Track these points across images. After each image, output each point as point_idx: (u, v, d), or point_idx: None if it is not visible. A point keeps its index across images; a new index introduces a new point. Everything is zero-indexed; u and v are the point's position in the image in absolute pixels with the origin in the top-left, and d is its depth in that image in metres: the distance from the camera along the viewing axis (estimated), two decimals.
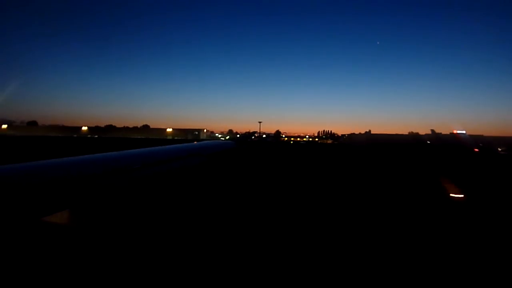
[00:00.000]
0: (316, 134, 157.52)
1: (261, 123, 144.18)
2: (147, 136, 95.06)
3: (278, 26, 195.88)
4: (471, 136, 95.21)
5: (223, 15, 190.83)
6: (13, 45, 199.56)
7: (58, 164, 2.04)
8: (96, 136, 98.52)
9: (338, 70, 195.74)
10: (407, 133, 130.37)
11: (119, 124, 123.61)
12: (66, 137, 78.21)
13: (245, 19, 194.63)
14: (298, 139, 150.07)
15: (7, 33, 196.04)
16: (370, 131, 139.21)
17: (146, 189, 2.46)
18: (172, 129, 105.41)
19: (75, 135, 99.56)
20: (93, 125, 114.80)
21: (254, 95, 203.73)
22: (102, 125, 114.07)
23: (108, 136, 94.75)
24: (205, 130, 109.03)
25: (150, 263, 4.20)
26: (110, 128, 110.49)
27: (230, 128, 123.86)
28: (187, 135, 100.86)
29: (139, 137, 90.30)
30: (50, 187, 1.61)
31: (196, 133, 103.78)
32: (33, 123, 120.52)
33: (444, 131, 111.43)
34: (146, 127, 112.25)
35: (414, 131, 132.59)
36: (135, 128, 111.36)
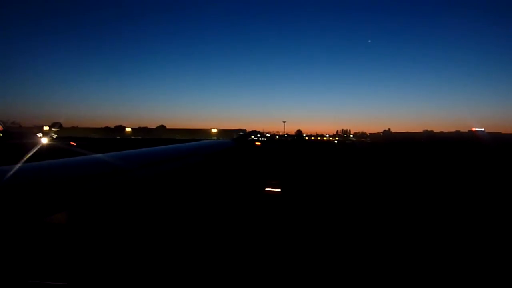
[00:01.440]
0: (334, 133, 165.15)
1: (285, 123, 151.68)
2: (193, 137, 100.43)
3: (303, 29, 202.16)
4: (489, 133, 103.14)
5: (252, 18, 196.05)
6: (41, 49, 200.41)
7: (56, 165, 2.07)
8: (140, 137, 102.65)
9: (354, 70, 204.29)
10: (421, 131, 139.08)
11: (152, 125, 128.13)
12: (126, 139, 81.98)
13: (270, 21, 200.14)
14: (319, 138, 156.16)
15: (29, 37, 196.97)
16: (389, 129, 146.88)
17: (143, 190, 2.52)
18: (217, 129, 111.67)
19: (118, 137, 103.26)
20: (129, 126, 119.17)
21: (278, 96, 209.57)
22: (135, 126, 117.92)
23: (154, 137, 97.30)
24: (246, 130, 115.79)
25: (150, 263, 4.17)
26: (157, 129, 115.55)
27: (254, 129, 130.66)
28: (232, 135, 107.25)
29: (183, 138, 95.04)
30: (48, 188, 1.66)
31: (242, 133, 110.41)
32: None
33: (462, 128, 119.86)
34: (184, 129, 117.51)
35: (429, 129, 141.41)
36: (176, 129, 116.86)
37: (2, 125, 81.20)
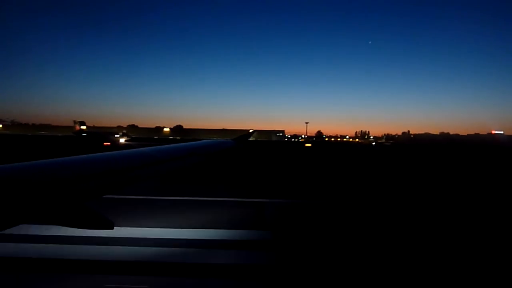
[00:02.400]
0: (353, 135, 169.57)
1: (308, 124, 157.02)
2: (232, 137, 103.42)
3: (327, 33, 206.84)
4: (508, 136, 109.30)
5: (279, 23, 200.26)
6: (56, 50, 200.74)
7: (55, 164, 2.06)
8: (179, 138, 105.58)
9: (373, 72, 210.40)
10: (438, 133, 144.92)
11: (186, 125, 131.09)
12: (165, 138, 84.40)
13: (297, 26, 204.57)
14: (338, 139, 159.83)
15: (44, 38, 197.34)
16: (408, 131, 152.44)
17: (144, 189, 2.89)
18: (256, 130, 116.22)
19: (156, 136, 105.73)
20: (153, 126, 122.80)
21: (301, 97, 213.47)
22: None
23: (189, 137, 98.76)
24: (285, 131, 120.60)
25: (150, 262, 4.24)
26: (195, 130, 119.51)
27: (278, 129, 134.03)
28: (271, 136, 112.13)
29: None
30: (45, 187, 1.66)
31: (280, 134, 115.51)
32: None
33: (482, 131, 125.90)
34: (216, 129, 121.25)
35: (446, 131, 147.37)
36: (212, 130, 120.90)
37: (86, 127, 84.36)
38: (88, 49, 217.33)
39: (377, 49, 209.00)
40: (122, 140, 64.77)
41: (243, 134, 7.41)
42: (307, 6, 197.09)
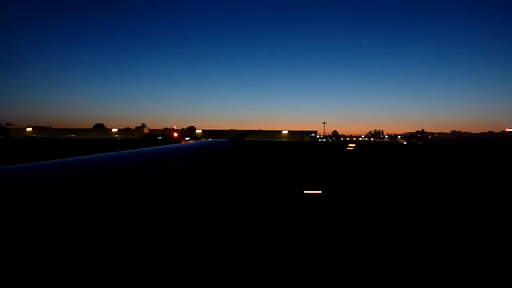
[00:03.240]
0: (367, 134, 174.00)
1: (325, 124, 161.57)
2: (264, 138, 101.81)
3: (341, 33, 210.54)
4: None
5: (294, 20, 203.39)
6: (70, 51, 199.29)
7: (47, 166, 2.02)
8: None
9: (383, 71, 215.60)
10: (449, 132, 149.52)
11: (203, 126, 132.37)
12: None
13: (311, 27, 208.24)
14: (354, 139, 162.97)
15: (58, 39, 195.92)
16: (423, 130, 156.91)
17: (136, 192, 2.46)
18: (288, 131, 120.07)
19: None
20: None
21: (317, 97, 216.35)
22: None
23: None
24: (317, 131, 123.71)
25: (145, 266, 3.63)
26: (229, 131, 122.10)
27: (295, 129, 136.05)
28: (303, 136, 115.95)
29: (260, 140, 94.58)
30: (41, 189, 1.63)
31: (313, 134, 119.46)
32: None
33: (495, 129, 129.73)
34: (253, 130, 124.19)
35: (456, 129, 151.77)
36: (242, 131, 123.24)
37: (148, 129, 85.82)
38: (87, 50, 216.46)
39: (384, 48, 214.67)
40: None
41: (240, 134, 7.18)
42: (320, 4, 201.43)
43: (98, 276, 1.74)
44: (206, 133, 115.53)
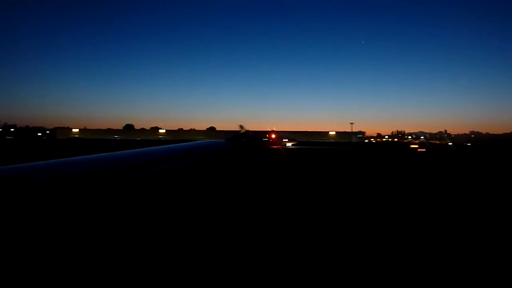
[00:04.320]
0: (389, 134, 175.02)
1: (353, 124, 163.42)
2: (310, 139, 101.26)
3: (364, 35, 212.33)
4: None
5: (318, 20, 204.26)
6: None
7: (44, 166, 2.01)
8: None
9: (404, 71, 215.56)
10: (468, 132, 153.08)
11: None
12: None
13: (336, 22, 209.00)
14: (378, 139, 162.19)
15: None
16: (445, 131, 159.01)
17: (134, 192, 2.45)
18: (336, 132, 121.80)
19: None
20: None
21: (346, 97, 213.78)
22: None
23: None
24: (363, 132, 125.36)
25: (143, 267, 3.53)
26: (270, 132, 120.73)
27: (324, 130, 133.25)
28: (351, 137, 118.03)
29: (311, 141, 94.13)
30: (38, 190, 1.63)
31: (360, 135, 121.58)
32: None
33: (506, 130, 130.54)
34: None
35: (475, 130, 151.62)
36: (290, 131, 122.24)
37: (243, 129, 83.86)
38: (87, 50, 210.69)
39: (403, 49, 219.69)
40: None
41: (237, 134, 7.33)
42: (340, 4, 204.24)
43: (97, 275, 1.74)
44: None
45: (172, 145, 4.45)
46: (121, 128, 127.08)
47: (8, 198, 1.50)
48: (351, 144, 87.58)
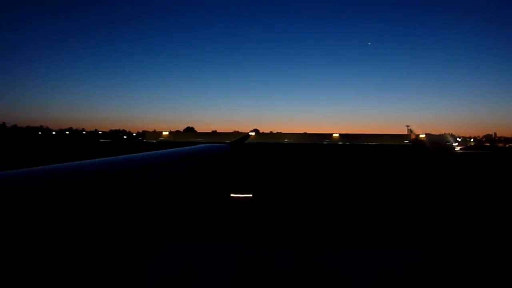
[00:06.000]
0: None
1: (408, 127, 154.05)
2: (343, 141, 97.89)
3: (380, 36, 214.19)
4: None
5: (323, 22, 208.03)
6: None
7: (45, 171, 2.03)
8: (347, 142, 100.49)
9: (414, 73, 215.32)
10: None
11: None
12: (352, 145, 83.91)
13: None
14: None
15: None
16: (495, 134, 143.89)
17: (136, 196, 2.44)
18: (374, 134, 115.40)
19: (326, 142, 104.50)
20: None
21: (401, 99, 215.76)
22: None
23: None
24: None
25: (142, 270, 3.47)
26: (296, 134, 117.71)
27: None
28: (403, 140, 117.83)
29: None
30: (39, 194, 1.64)
31: (408, 141, 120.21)
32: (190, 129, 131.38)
33: None
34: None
35: (490, 132, 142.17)
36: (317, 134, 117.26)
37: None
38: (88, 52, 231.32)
39: (423, 51, 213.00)
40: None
41: (241, 137, 7.29)
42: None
43: (97, 277, 1.79)
44: None
45: (174, 149, 4.57)
46: (181, 130, 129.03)
47: (26, 199, 1.58)
48: None
